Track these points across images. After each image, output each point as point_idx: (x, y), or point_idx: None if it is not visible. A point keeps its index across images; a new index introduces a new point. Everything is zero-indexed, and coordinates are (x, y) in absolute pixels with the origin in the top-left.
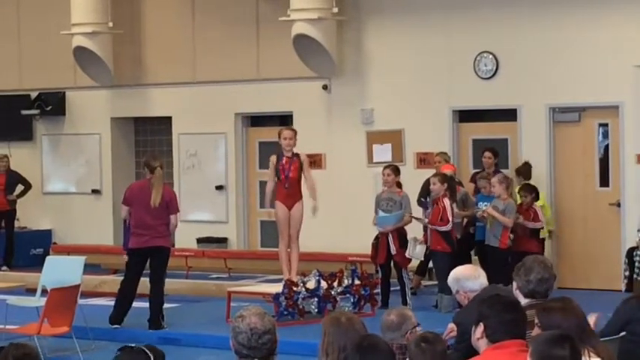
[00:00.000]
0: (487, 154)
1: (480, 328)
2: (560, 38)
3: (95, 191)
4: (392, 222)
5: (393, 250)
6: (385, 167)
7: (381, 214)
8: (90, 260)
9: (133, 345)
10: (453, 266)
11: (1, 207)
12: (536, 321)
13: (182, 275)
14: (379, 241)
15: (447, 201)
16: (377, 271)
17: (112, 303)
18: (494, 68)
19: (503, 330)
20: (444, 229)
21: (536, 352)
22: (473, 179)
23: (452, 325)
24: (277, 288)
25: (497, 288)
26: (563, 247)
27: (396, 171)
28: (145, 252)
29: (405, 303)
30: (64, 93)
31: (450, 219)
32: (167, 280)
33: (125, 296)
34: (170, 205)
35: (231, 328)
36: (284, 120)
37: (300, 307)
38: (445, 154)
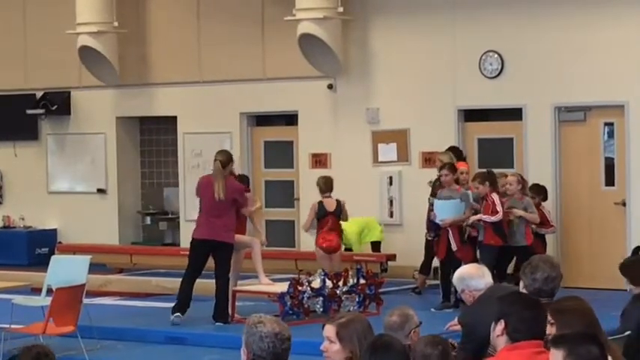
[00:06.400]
0: None
1: (501, 325)
2: (565, 37)
3: (100, 190)
4: (450, 210)
5: (454, 247)
6: (441, 167)
7: (439, 202)
8: (95, 260)
9: None
10: (495, 260)
11: None
12: (551, 320)
13: None
14: (440, 237)
15: (495, 195)
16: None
17: (118, 302)
18: (500, 67)
19: (524, 328)
20: (493, 219)
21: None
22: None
23: (456, 320)
24: (282, 287)
25: (501, 287)
26: (569, 246)
27: (453, 169)
28: (208, 245)
29: (452, 301)
30: (70, 92)
31: (500, 210)
32: (172, 280)
33: (187, 287)
34: (238, 200)
35: (252, 334)
36: (289, 119)
37: (306, 306)
38: (447, 153)
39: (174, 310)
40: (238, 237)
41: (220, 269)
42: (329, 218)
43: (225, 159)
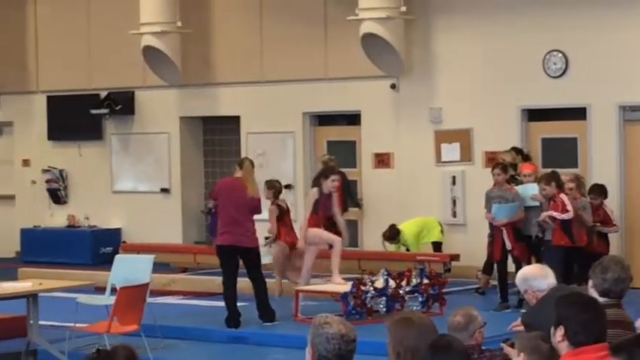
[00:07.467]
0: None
1: (560, 331)
2: (630, 36)
3: (164, 190)
4: (505, 213)
5: (509, 246)
6: (494, 167)
7: (496, 205)
8: (159, 259)
9: None
10: (564, 261)
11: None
12: None
13: None
14: (494, 238)
15: (563, 196)
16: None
17: (182, 301)
18: (564, 67)
19: (585, 331)
20: (564, 216)
21: None
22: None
23: (519, 321)
24: (345, 287)
25: (564, 287)
26: (633, 245)
27: (505, 169)
28: (235, 250)
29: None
30: (133, 92)
31: (570, 209)
32: None
33: (231, 298)
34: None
35: (318, 334)
36: (352, 119)
37: (369, 306)
38: (510, 152)
39: (228, 325)
40: (319, 232)
41: (253, 272)
42: (288, 216)
43: (252, 161)
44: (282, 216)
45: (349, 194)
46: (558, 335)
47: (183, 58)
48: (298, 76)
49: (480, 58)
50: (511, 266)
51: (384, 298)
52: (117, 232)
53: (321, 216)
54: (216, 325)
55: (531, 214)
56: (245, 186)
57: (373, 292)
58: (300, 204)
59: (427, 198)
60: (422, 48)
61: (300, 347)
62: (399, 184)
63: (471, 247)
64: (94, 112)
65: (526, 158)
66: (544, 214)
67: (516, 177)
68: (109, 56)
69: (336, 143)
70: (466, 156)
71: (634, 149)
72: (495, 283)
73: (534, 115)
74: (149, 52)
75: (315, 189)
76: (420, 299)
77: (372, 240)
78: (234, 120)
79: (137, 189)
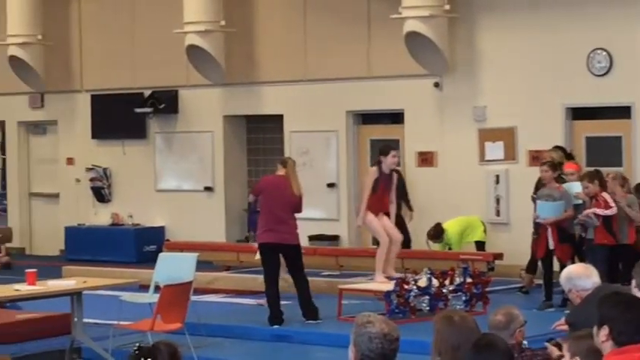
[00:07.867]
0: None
1: (605, 331)
2: None
3: (208, 188)
4: (550, 211)
5: (551, 245)
6: (542, 163)
7: (540, 202)
8: (202, 257)
9: None
10: (608, 261)
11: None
12: None
13: None
14: (539, 236)
15: (605, 194)
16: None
17: (225, 300)
18: (608, 65)
19: (630, 330)
20: (608, 212)
21: None
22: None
23: (563, 320)
24: (389, 286)
25: (609, 286)
26: None
27: (554, 167)
28: (277, 247)
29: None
30: (177, 91)
31: (613, 206)
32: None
33: (273, 294)
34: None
35: (361, 334)
36: (395, 118)
37: (412, 305)
38: (557, 150)
39: (271, 322)
40: (374, 222)
41: (295, 269)
42: None
43: (294, 160)
44: None
45: (405, 195)
46: (602, 335)
47: (227, 56)
48: (341, 75)
49: (523, 57)
50: (556, 265)
51: (427, 297)
52: (160, 230)
53: (380, 196)
54: (260, 324)
55: (576, 213)
56: (290, 184)
57: (416, 290)
58: (343, 203)
59: (471, 197)
60: (465, 46)
61: (343, 346)
62: (443, 182)
63: (515, 246)
64: (137, 110)
65: (569, 157)
66: (587, 211)
67: (562, 176)
68: (152, 55)
69: (379, 142)
70: (510, 155)
71: None
72: (539, 282)
73: (578, 113)
74: (193, 50)
75: (375, 167)
76: (464, 298)
77: (415, 239)
78: (278, 119)
79: (181, 187)
